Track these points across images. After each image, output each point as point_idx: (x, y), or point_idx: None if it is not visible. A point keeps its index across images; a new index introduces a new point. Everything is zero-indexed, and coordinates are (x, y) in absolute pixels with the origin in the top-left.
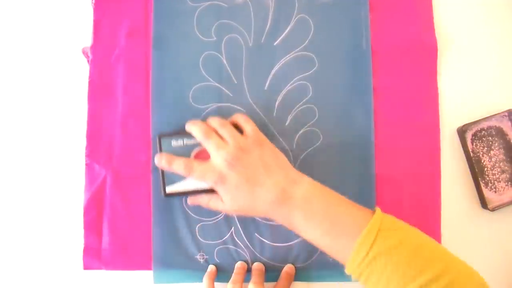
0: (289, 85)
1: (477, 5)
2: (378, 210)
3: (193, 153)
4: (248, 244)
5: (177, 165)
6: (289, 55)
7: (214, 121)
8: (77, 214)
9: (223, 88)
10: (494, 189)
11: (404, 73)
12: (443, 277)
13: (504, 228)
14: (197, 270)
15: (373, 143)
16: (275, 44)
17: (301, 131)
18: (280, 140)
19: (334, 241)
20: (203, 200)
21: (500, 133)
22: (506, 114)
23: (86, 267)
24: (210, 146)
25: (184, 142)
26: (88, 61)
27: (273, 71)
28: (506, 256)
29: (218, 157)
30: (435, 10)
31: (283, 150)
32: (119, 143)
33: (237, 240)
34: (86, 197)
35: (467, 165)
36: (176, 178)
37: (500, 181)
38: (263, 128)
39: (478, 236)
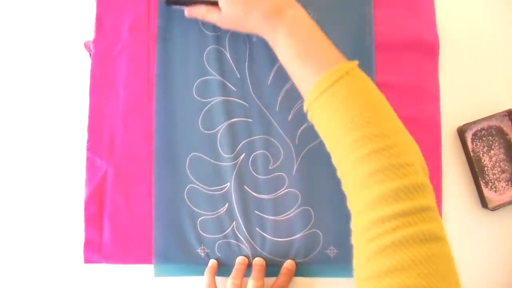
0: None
1: (479, 3)
2: (355, 62)
3: None
4: (249, 239)
5: None
6: None
7: None
8: (78, 208)
9: (227, 82)
10: (494, 189)
11: (405, 71)
12: (388, 137)
13: (504, 228)
14: (198, 264)
15: None
16: None
17: (303, 126)
18: (282, 135)
19: (302, 67)
20: (201, 11)
21: (500, 132)
22: (506, 113)
23: (87, 260)
24: None
25: None
26: (90, 55)
27: (276, 66)
28: (506, 256)
29: None
30: (437, 8)
31: (285, 144)
32: (121, 137)
33: (238, 234)
34: (87, 191)
35: (467, 165)
36: None
37: (500, 181)
38: (266, 122)
39: (478, 236)
